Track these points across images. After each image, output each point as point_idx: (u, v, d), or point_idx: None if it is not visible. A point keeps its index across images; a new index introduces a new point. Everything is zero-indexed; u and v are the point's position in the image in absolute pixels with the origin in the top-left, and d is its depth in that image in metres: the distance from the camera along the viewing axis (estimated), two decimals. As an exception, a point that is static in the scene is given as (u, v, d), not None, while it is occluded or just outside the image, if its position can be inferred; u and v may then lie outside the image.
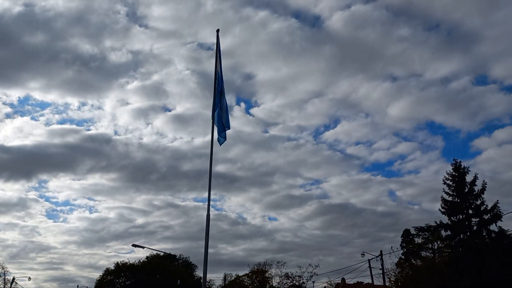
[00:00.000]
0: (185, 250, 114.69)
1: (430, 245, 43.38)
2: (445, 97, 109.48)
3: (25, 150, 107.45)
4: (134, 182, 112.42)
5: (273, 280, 55.48)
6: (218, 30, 14.21)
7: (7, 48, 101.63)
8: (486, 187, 30.61)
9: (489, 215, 29.71)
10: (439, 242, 39.27)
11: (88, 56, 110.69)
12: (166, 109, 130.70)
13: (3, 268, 58.87)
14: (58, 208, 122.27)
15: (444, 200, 31.56)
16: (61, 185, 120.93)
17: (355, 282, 54.61)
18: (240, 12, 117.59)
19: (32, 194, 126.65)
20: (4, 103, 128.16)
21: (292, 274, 52.70)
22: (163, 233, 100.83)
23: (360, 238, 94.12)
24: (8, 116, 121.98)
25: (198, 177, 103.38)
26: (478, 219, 30.07)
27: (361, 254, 42.36)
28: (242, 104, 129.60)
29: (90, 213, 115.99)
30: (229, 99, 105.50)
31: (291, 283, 52.58)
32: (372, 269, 41.65)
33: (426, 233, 45.12)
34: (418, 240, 46.82)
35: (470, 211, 30.46)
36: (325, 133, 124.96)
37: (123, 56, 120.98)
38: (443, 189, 31.89)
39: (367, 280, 45.87)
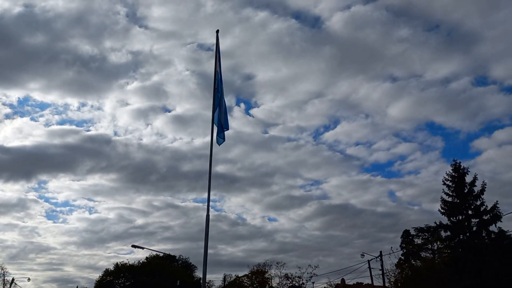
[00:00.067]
0: (184, 251, 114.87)
1: (430, 245, 43.31)
2: (445, 97, 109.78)
3: (24, 151, 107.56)
4: (134, 183, 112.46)
5: (272, 281, 55.43)
6: (217, 31, 14.24)
7: (7, 48, 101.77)
8: (485, 187, 30.67)
9: (488, 215, 29.72)
10: (438, 242, 39.22)
11: (88, 56, 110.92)
12: (166, 110, 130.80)
13: (2, 269, 58.85)
14: (58, 209, 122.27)
15: (443, 201, 31.57)
16: (61, 186, 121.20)
17: (355, 282, 54.45)
18: (240, 13, 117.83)
19: (31, 195, 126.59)
20: (4, 104, 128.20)
21: (291, 275, 52.63)
22: (163, 233, 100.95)
23: (360, 239, 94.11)
24: (7, 116, 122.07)
25: (198, 178, 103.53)
26: (477, 219, 30.08)
27: (361, 254, 42.39)
28: (242, 105, 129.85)
29: (90, 213, 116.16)
30: (229, 99, 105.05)
31: (290, 284, 52.47)
32: (371, 269, 41.68)
33: (426, 234, 45.07)
34: (418, 240, 46.76)
35: (470, 212, 30.48)
36: (325, 134, 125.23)
37: (123, 57, 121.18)
38: (443, 189, 31.96)
39: (367, 281, 45.85)
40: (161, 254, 55.16)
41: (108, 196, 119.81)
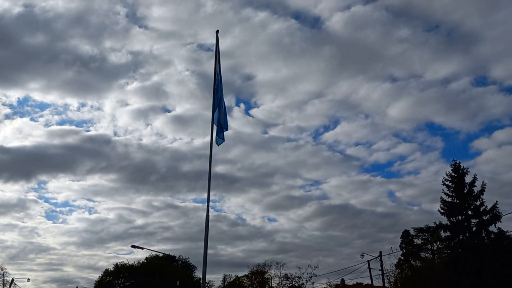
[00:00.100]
0: (184, 251, 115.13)
1: (430, 246, 43.32)
2: (445, 98, 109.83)
3: (24, 151, 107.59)
4: (134, 183, 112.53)
5: (272, 281, 55.45)
6: (217, 31, 14.24)
7: (6, 48, 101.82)
8: (485, 188, 30.66)
9: (488, 216, 29.72)
10: (438, 243, 39.21)
11: (88, 57, 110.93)
12: (166, 110, 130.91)
13: (2, 269, 58.96)
14: (58, 209, 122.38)
15: (443, 201, 31.57)
16: (61, 186, 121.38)
17: (355, 283, 54.41)
18: (240, 13, 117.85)
19: (31, 195, 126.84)
20: (4, 104, 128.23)
21: (291, 275, 52.64)
22: (163, 234, 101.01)
23: (360, 239, 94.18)
24: (7, 117, 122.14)
25: (197, 178, 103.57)
26: (477, 220, 30.08)
27: (361, 255, 42.39)
28: (242, 105, 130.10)
29: (90, 214, 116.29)
30: (229, 100, 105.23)
31: (290, 284, 52.47)
32: (371, 270, 41.68)
33: (426, 234, 45.08)
34: (418, 241, 46.78)
35: (470, 212, 30.48)
36: (325, 134, 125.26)
37: (123, 57, 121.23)
38: (443, 190, 31.95)
39: (367, 281, 45.85)
40: (161, 255, 55.18)
41: (108, 197, 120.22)
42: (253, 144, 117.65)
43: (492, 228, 29.54)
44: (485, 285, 26.93)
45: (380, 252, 40.64)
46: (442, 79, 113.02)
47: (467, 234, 30.21)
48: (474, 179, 31.09)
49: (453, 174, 31.93)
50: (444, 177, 32.20)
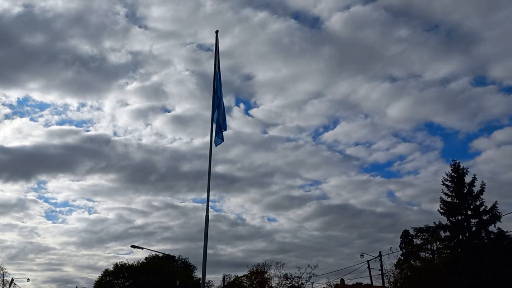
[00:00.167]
0: (184, 251, 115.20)
1: (429, 246, 43.32)
2: (444, 97, 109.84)
3: (24, 151, 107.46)
4: (133, 183, 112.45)
5: (272, 281, 55.47)
6: (217, 32, 14.24)
7: (6, 48, 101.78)
8: (485, 188, 30.73)
9: (488, 216, 29.75)
10: (438, 243, 39.21)
11: (88, 56, 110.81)
12: (166, 110, 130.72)
13: (2, 269, 58.90)
14: (57, 209, 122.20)
15: (443, 201, 31.59)
16: (60, 186, 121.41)
17: (354, 283, 54.42)
18: (240, 13, 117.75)
19: (31, 195, 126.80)
20: (3, 104, 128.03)
21: (291, 275, 52.67)
22: (162, 234, 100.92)
23: (359, 239, 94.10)
24: (7, 117, 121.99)
25: (197, 178, 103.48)
26: (477, 220, 30.12)
27: (360, 255, 42.35)
28: (242, 105, 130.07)
29: (89, 214, 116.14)
30: (229, 99, 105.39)
31: (290, 284, 52.50)
32: (371, 270, 41.66)
33: (425, 234, 45.06)
34: (417, 241, 46.76)
35: (469, 212, 30.51)
36: (325, 134, 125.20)
37: (123, 57, 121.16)
38: (442, 190, 32.00)
39: (366, 281, 45.86)
40: (161, 254, 55.14)
41: (108, 196, 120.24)
42: (253, 144, 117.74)
43: (491, 228, 29.61)
44: (484, 285, 26.95)
45: (380, 252, 40.67)
46: (441, 79, 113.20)
47: (467, 234, 30.23)
48: (474, 179, 31.14)
49: (452, 174, 31.96)
50: (443, 177, 32.29)
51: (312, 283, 52.00)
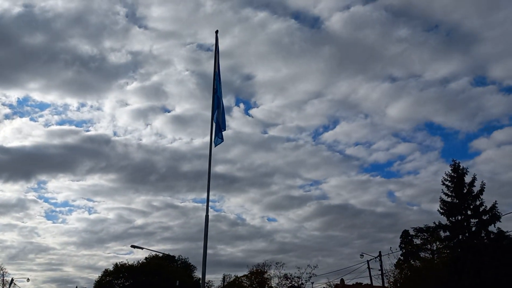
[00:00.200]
0: (184, 251, 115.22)
1: (429, 246, 43.31)
2: (444, 97, 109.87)
3: (24, 151, 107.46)
4: (133, 183, 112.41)
5: (272, 281, 55.47)
6: (217, 32, 14.25)
7: (6, 48, 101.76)
8: (484, 188, 30.75)
9: (487, 216, 29.76)
10: (438, 243, 39.21)
11: (88, 56, 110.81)
12: (166, 110, 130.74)
13: (1, 269, 58.89)
14: (57, 209, 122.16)
15: (443, 201, 31.60)
16: (60, 186, 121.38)
17: (354, 283, 54.41)
18: (240, 13, 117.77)
19: (31, 195, 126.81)
20: (3, 104, 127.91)
21: (291, 275, 52.64)
22: (162, 234, 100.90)
23: (359, 239, 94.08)
24: (7, 117, 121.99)
25: (197, 178, 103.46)
26: (477, 220, 30.12)
27: (360, 255, 42.35)
28: (241, 105, 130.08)
29: (89, 214, 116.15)
30: (228, 99, 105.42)
31: (290, 284, 52.49)
32: (371, 270, 41.66)
33: (425, 234, 45.04)
34: (417, 241, 46.73)
35: (469, 212, 30.52)
36: (324, 134, 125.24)
37: (123, 57, 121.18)
38: (442, 190, 32.01)
39: (366, 281, 45.86)
40: (161, 255, 55.15)
41: (108, 196, 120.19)
42: (253, 144, 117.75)
43: (491, 228, 29.63)
44: (484, 285, 26.95)
45: (380, 252, 40.67)
46: (441, 79, 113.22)
47: (467, 234, 30.24)
48: (474, 179, 31.15)
49: (452, 174, 31.96)
50: (443, 177, 32.30)
51: (312, 283, 52.04)
